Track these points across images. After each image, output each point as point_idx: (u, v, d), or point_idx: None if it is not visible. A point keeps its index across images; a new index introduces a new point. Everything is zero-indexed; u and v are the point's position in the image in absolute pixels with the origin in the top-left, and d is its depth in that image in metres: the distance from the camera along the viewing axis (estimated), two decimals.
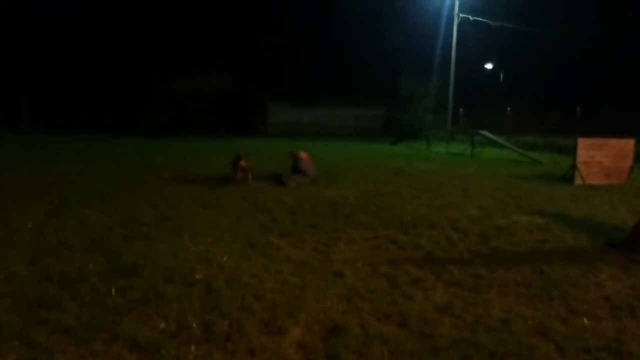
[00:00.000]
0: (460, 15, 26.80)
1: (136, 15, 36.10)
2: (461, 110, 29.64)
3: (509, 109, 26.62)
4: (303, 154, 11.30)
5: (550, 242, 6.36)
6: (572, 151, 12.21)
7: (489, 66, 41.18)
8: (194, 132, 29.26)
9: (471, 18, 26.62)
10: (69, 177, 10.74)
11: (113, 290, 4.25)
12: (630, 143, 12.26)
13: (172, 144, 22.24)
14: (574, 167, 11.83)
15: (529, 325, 3.85)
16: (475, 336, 3.62)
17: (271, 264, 5.13)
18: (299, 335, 3.57)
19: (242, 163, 10.43)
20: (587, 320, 3.96)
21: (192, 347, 3.38)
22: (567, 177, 12.02)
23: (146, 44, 35.32)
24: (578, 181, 11.63)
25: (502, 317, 3.95)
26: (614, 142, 12.05)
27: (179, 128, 30.44)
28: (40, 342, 3.37)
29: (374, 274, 4.96)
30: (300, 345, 3.45)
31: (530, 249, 6.01)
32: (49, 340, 3.40)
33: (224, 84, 34.78)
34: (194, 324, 3.67)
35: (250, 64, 36.06)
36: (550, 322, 3.89)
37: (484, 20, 26.65)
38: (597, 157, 11.81)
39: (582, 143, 11.83)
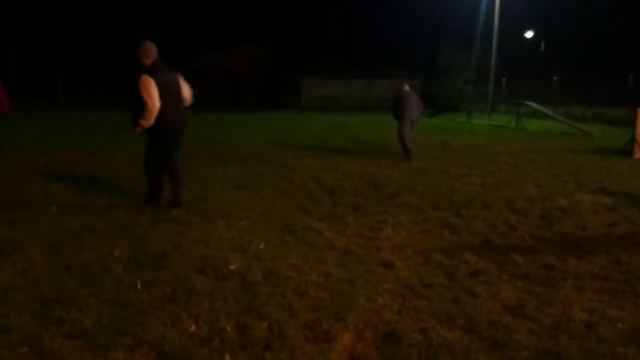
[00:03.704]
0: None
1: None
2: (504, 80, 28.36)
3: (555, 78, 25.26)
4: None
5: (621, 225, 5.67)
6: (629, 123, 11.31)
7: (529, 35, 39.39)
8: (227, 107, 28.88)
9: None
10: (100, 155, 10.42)
11: (138, 284, 3.81)
12: None
13: (204, 118, 21.90)
14: (633, 139, 10.93)
15: (619, 330, 3.24)
16: (558, 344, 3.04)
17: (312, 253, 4.62)
18: (349, 343, 3.06)
19: None
20: None
21: (227, 356, 2.91)
22: (625, 151, 11.12)
23: (178, 20, 34.98)
24: (638, 155, 10.74)
25: (586, 320, 3.35)
26: None
27: (212, 103, 30.10)
28: (53, 349, 2.95)
29: (428, 263, 4.40)
30: (351, 356, 2.94)
31: (600, 234, 5.34)
32: (63, 347, 2.97)
33: (257, 58, 34.18)
34: (228, 327, 3.20)
35: (284, 38, 35.38)
36: None
37: None
38: None
39: None
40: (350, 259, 4.47)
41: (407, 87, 10.62)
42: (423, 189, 7.34)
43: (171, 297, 3.61)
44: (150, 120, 5.51)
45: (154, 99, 5.44)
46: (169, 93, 5.60)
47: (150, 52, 5.56)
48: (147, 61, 5.56)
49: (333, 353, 2.95)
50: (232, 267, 4.17)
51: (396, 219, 5.78)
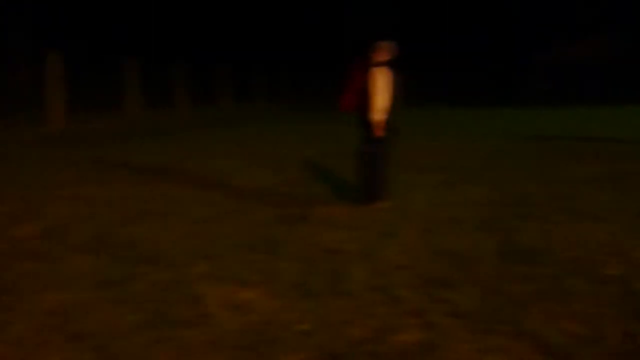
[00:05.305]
0: None
1: None
2: None
3: None
4: None
5: None
6: None
7: None
8: (581, 101, 26.76)
9: None
10: (453, 149, 10.91)
11: (512, 277, 3.89)
12: None
13: (553, 114, 20.86)
14: None
15: None
16: None
17: None
18: None
19: None
20: None
21: None
22: None
23: (528, 15, 34.04)
24: None
25: None
26: None
27: (562, 97, 28.38)
28: (440, 324, 3.24)
29: None
30: None
31: None
32: (448, 324, 3.24)
33: (617, 50, 30.79)
34: (614, 334, 3.00)
35: None
36: None
37: None
38: None
39: None
40: None
41: None
42: None
43: (546, 293, 3.58)
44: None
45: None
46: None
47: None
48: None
49: None
50: (610, 272, 3.90)
51: None
